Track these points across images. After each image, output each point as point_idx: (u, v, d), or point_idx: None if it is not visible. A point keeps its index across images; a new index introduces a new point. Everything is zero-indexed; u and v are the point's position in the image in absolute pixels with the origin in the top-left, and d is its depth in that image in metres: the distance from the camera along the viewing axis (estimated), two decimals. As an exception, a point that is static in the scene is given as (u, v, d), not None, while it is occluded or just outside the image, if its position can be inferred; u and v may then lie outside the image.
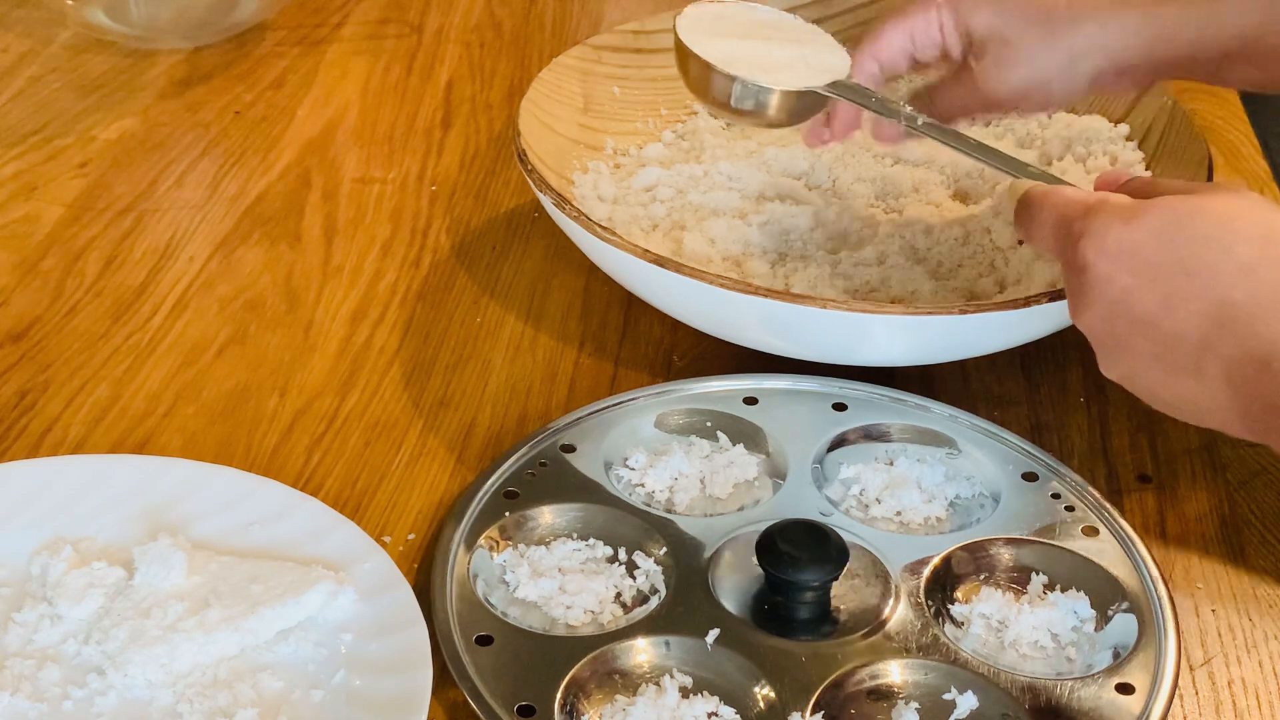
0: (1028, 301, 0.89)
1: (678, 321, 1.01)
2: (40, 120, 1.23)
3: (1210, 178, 1.00)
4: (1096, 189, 0.84)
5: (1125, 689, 0.75)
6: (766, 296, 0.88)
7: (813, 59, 0.97)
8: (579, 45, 1.14)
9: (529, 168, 0.99)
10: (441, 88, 1.29)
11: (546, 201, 0.97)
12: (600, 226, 0.93)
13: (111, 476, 0.85)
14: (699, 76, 0.96)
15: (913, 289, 0.98)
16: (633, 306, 1.04)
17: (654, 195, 1.07)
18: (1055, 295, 0.88)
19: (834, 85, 0.96)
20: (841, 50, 0.99)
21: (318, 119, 1.24)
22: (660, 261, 0.90)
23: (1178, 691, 0.75)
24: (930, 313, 0.88)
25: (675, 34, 0.96)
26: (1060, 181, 0.88)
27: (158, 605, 0.77)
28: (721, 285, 0.89)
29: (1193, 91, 1.28)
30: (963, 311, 0.88)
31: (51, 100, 1.26)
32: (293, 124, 1.23)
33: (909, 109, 0.95)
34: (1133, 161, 1.08)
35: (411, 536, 0.85)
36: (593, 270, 1.07)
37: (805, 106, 0.97)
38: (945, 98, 0.97)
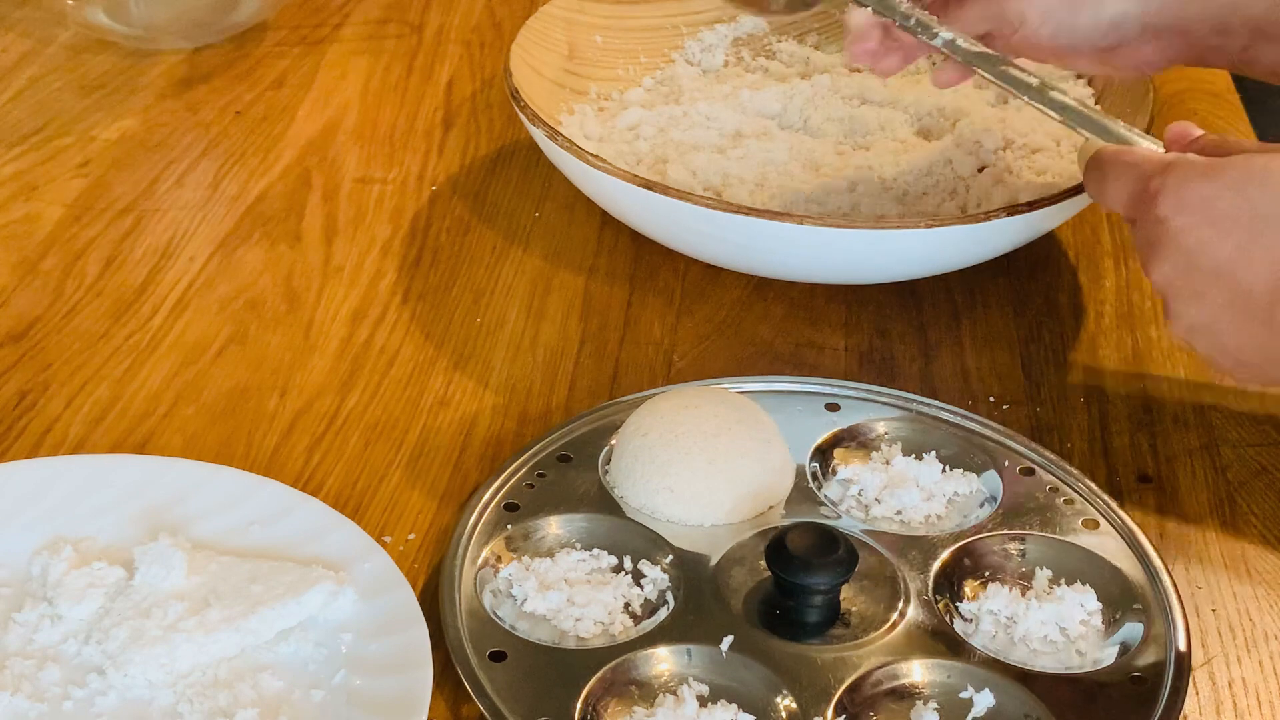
0: (987, 216, 0.95)
1: (677, 322, 1.02)
2: (40, 120, 1.23)
3: (1154, 112, 1.04)
4: (1167, 145, 0.86)
5: (1139, 680, 0.75)
6: (748, 215, 0.94)
7: None
8: None
9: (521, 104, 1.04)
10: (441, 88, 1.29)
11: (539, 134, 1.02)
12: (590, 154, 0.99)
13: (111, 476, 0.85)
14: None
15: (881, 213, 1.03)
16: (633, 306, 1.04)
17: (637, 134, 1.13)
18: (1013, 210, 0.95)
19: None
20: None
21: (318, 119, 1.24)
22: (648, 185, 0.97)
23: (1190, 682, 0.76)
24: (899, 227, 0.94)
25: None
26: (1118, 140, 0.88)
27: (158, 605, 0.77)
28: (705, 205, 0.95)
29: (1193, 92, 1.28)
30: (928, 226, 0.94)
31: (51, 100, 1.26)
32: (293, 124, 1.23)
33: (943, 32, 0.93)
34: (1083, 96, 1.14)
35: (411, 536, 0.85)
36: (593, 270, 1.07)
37: None
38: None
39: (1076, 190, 0.96)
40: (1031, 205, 0.96)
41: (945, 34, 0.93)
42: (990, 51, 0.93)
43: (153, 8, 1.35)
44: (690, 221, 0.97)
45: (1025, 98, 0.92)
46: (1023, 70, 0.92)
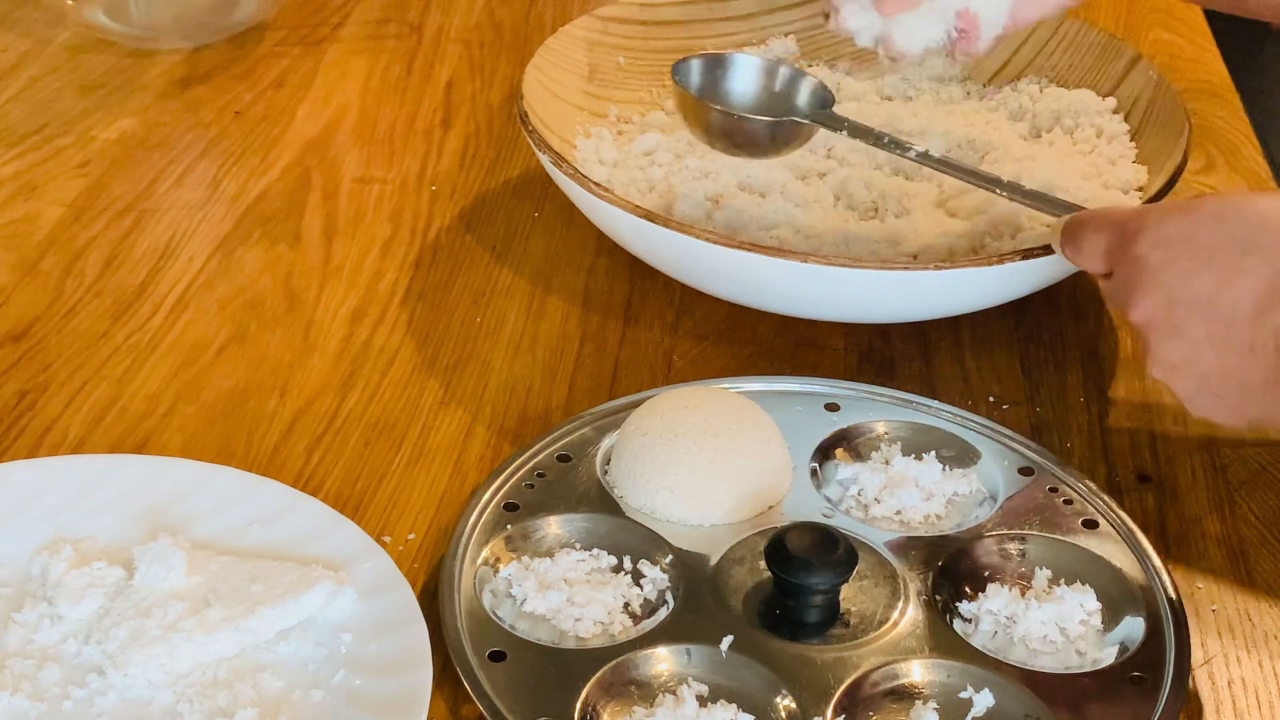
0: (1000, 259, 0.92)
1: (677, 322, 1.02)
2: (40, 120, 1.23)
3: (1188, 148, 1.03)
4: None
5: (1139, 681, 0.75)
6: (749, 250, 0.92)
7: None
8: (586, 16, 1.17)
9: (530, 129, 1.02)
10: (441, 88, 1.29)
11: (545, 160, 1.00)
12: (593, 183, 0.97)
13: (111, 476, 0.85)
14: (688, 110, 1.02)
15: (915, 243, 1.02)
16: (633, 306, 1.04)
17: (653, 159, 1.10)
18: (1027, 254, 0.92)
19: (822, 115, 1.01)
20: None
21: (318, 119, 1.24)
22: (649, 216, 0.94)
23: (1190, 682, 0.76)
24: (906, 268, 0.92)
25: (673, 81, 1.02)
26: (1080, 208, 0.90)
27: (158, 605, 0.77)
28: (705, 239, 0.93)
29: (1193, 93, 1.28)
30: (938, 268, 0.92)
31: (51, 100, 1.26)
32: (293, 124, 1.23)
33: (917, 146, 1.00)
34: (1118, 133, 1.12)
35: (411, 536, 0.85)
36: (592, 270, 1.07)
37: (798, 134, 1.02)
38: None
39: None
40: (1049, 249, 0.92)
41: (918, 148, 1.00)
42: (956, 160, 1.01)
43: (152, 8, 1.35)
44: (689, 255, 0.95)
45: (998, 191, 0.97)
46: (988, 174, 0.99)
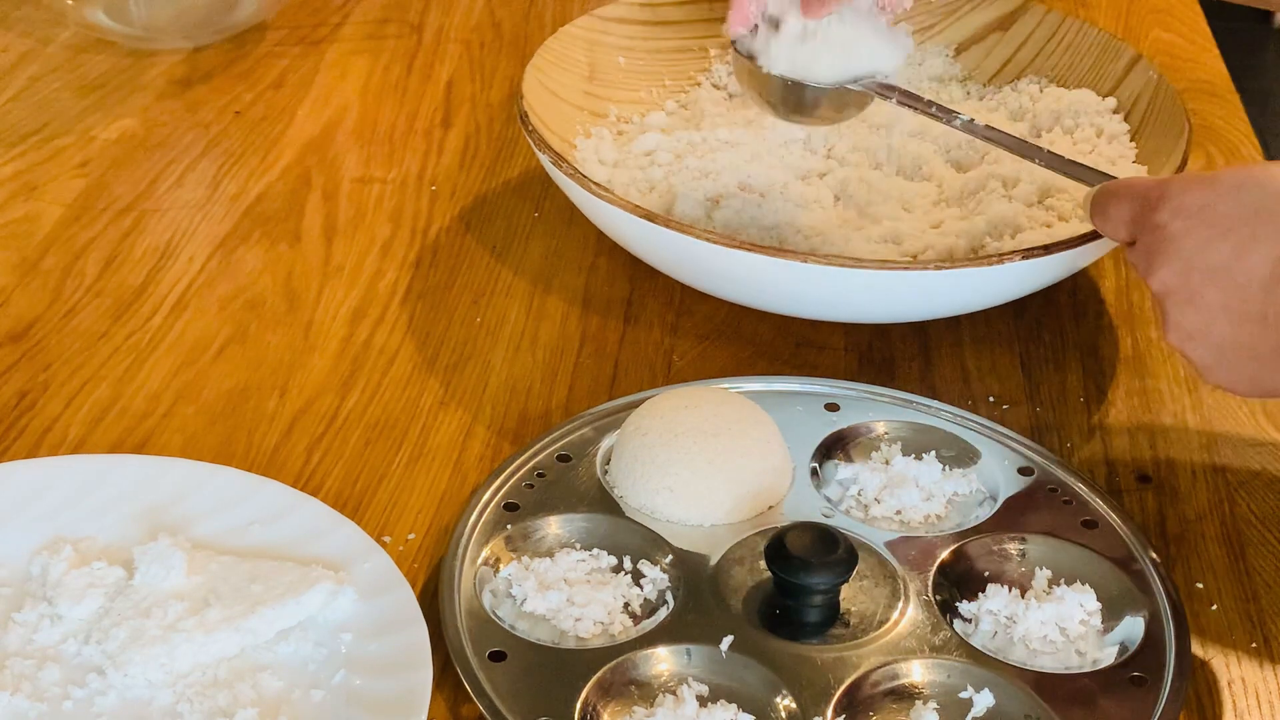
0: (1000, 259, 0.92)
1: (677, 322, 1.02)
2: (40, 120, 1.23)
3: (1188, 148, 1.03)
4: None
5: (1139, 681, 0.75)
6: (749, 250, 0.92)
7: (864, 51, 1.02)
8: (586, 16, 1.17)
9: (529, 129, 1.02)
10: (441, 88, 1.29)
11: (545, 160, 1.00)
12: (593, 183, 0.97)
13: (111, 476, 0.85)
14: (747, 76, 1.02)
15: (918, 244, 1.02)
16: (633, 306, 1.04)
17: (653, 159, 1.10)
18: (1027, 254, 0.92)
19: (878, 84, 1.01)
20: (900, 43, 1.02)
21: (318, 119, 1.24)
22: (649, 216, 0.94)
23: (1190, 682, 0.76)
24: (906, 268, 0.92)
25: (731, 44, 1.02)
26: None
27: (158, 605, 0.77)
28: (705, 239, 0.92)
29: (1193, 93, 1.28)
30: (938, 268, 0.92)
31: (51, 100, 1.26)
32: (293, 124, 1.23)
33: (962, 116, 1.01)
34: (1118, 133, 1.12)
35: (411, 536, 0.85)
36: (593, 270, 1.07)
37: (851, 102, 1.02)
38: None
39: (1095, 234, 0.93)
40: (1048, 249, 0.92)
41: (963, 117, 1.01)
42: (999, 129, 1.00)
43: (153, 8, 1.35)
44: (689, 255, 0.95)
45: (1037, 160, 0.97)
46: (1029, 142, 1.00)
